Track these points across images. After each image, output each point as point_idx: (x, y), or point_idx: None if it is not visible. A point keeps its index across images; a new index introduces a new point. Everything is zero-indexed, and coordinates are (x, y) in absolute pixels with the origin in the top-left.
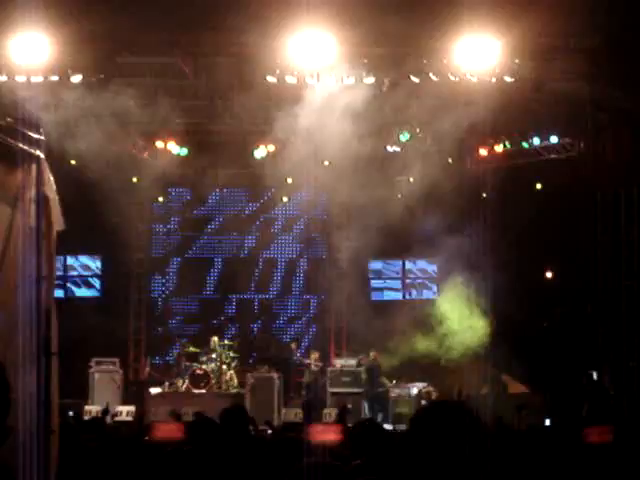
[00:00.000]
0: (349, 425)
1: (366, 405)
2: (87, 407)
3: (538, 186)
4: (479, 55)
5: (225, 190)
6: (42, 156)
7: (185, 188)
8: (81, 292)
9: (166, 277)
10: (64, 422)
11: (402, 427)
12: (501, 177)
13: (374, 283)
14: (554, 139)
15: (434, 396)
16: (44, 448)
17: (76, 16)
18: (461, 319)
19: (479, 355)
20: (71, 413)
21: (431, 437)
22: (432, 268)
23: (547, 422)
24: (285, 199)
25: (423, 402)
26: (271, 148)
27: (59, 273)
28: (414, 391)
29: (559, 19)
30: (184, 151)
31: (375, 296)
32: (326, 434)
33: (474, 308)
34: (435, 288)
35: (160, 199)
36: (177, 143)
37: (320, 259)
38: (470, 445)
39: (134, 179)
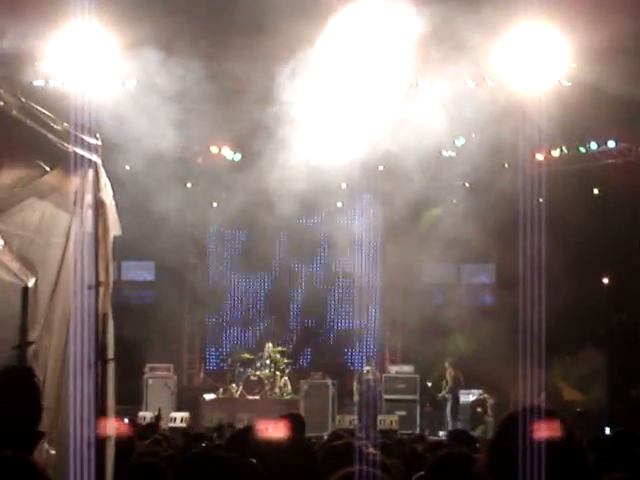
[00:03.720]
0: None
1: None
2: (141, 413)
3: (595, 191)
4: (537, 59)
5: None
6: (99, 161)
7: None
8: (136, 298)
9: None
10: (120, 429)
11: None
12: (558, 182)
13: (430, 288)
14: (611, 144)
15: (489, 403)
16: (100, 455)
17: (131, 21)
18: None
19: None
20: (126, 420)
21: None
22: (487, 275)
23: (607, 431)
24: (340, 204)
25: (479, 409)
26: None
27: (115, 278)
28: (470, 398)
29: (619, 21)
30: (238, 156)
31: (432, 299)
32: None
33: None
34: (490, 296)
35: (215, 204)
36: (231, 149)
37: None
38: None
39: (188, 184)
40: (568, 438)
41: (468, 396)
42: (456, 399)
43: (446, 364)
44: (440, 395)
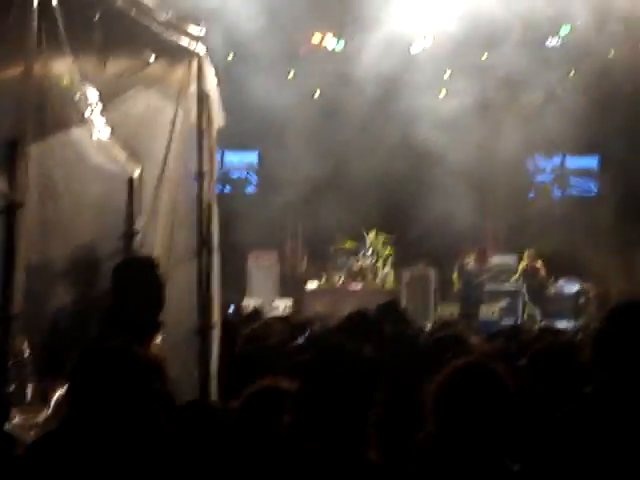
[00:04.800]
0: None
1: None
2: (245, 301)
3: None
4: None
5: None
6: (202, 52)
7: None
8: (240, 186)
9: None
10: (225, 317)
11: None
12: None
13: (533, 178)
14: None
15: (592, 294)
16: (205, 342)
17: None
18: None
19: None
20: (231, 309)
21: (628, 335)
22: (593, 163)
23: None
24: (443, 94)
25: (581, 300)
26: (429, 42)
27: (218, 168)
28: (573, 288)
29: None
30: (340, 45)
31: (535, 189)
32: None
33: None
34: (595, 185)
35: (316, 95)
36: (334, 36)
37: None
38: None
39: (290, 74)
40: None
41: (571, 287)
42: (537, 291)
43: (525, 254)
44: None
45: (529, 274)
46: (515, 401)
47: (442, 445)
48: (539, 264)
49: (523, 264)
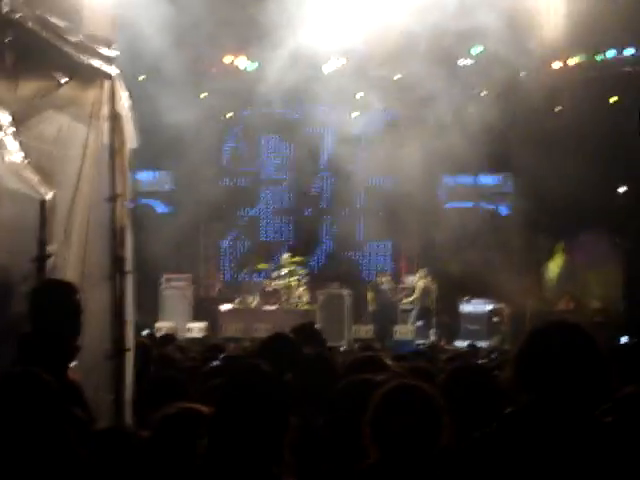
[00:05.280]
0: None
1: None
2: (158, 324)
3: (612, 99)
4: None
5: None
6: (115, 73)
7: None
8: (154, 208)
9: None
10: (139, 340)
11: (475, 343)
12: (575, 91)
13: (447, 198)
14: (629, 51)
15: (506, 313)
16: (119, 366)
17: None
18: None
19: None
20: (144, 332)
21: (550, 357)
22: (503, 182)
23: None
24: (355, 114)
25: (495, 319)
26: (342, 61)
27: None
28: (486, 308)
29: None
30: (253, 66)
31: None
32: None
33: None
34: (507, 204)
35: (229, 115)
36: (248, 58)
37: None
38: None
39: (202, 95)
40: (591, 349)
41: (483, 306)
42: (424, 310)
43: (419, 274)
44: (404, 302)
45: (424, 293)
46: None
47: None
48: (430, 283)
49: (420, 284)
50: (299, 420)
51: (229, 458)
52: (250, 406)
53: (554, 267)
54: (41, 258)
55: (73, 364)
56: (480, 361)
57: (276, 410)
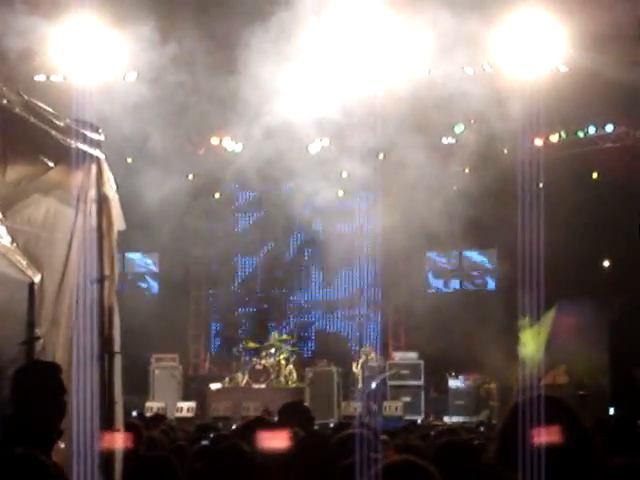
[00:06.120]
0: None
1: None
2: (148, 404)
3: (594, 175)
4: (534, 45)
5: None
6: (101, 156)
7: (240, 185)
8: (142, 289)
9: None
10: (128, 421)
11: (461, 419)
12: (557, 167)
13: (432, 274)
14: (609, 128)
15: (493, 388)
16: (109, 447)
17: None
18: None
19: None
20: (135, 413)
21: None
22: (488, 260)
23: (611, 411)
24: (341, 193)
25: (482, 394)
26: (326, 142)
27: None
28: (473, 383)
29: (615, 7)
30: (239, 147)
31: (434, 285)
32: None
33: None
34: (492, 280)
35: (217, 195)
36: (232, 139)
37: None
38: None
39: (189, 176)
40: (576, 427)
41: (470, 382)
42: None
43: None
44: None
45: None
46: None
47: None
48: (379, 359)
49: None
50: None
51: None
52: None
53: (536, 339)
54: (30, 341)
55: (61, 446)
56: (468, 437)
57: None
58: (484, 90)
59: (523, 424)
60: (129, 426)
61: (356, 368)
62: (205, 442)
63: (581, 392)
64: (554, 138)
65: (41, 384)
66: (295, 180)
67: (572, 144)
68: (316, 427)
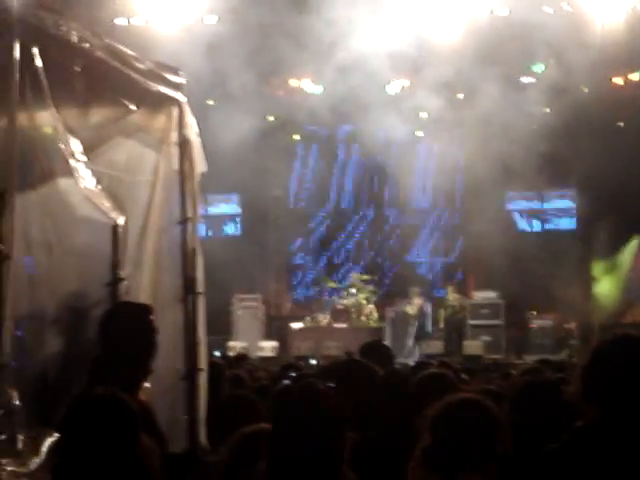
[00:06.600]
0: None
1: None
2: (231, 343)
3: None
4: None
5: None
6: (183, 99)
7: (320, 127)
8: (223, 230)
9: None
10: (212, 361)
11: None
12: (637, 105)
13: (514, 214)
14: None
15: (573, 327)
16: (192, 387)
17: None
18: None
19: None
20: (217, 353)
21: (615, 371)
22: (569, 198)
23: None
24: (420, 134)
25: (563, 333)
26: (406, 82)
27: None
28: (553, 322)
29: None
30: (319, 88)
31: (516, 225)
32: None
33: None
34: (572, 219)
35: (297, 137)
36: (312, 81)
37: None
38: None
39: (270, 118)
40: None
41: (550, 320)
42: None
43: (450, 289)
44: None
45: (457, 309)
46: (507, 435)
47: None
48: (459, 298)
49: (452, 299)
50: (356, 435)
51: (289, 476)
52: (305, 423)
53: (614, 275)
54: (114, 283)
55: (147, 384)
56: (552, 375)
57: (332, 426)
58: (563, 29)
59: (605, 362)
60: (212, 365)
61: (438, 307)
62: (287, 381)
63: None
64: (634, 77)
65: (132, 324)
66: (374, 120)
67: None
68: (397, 366)
